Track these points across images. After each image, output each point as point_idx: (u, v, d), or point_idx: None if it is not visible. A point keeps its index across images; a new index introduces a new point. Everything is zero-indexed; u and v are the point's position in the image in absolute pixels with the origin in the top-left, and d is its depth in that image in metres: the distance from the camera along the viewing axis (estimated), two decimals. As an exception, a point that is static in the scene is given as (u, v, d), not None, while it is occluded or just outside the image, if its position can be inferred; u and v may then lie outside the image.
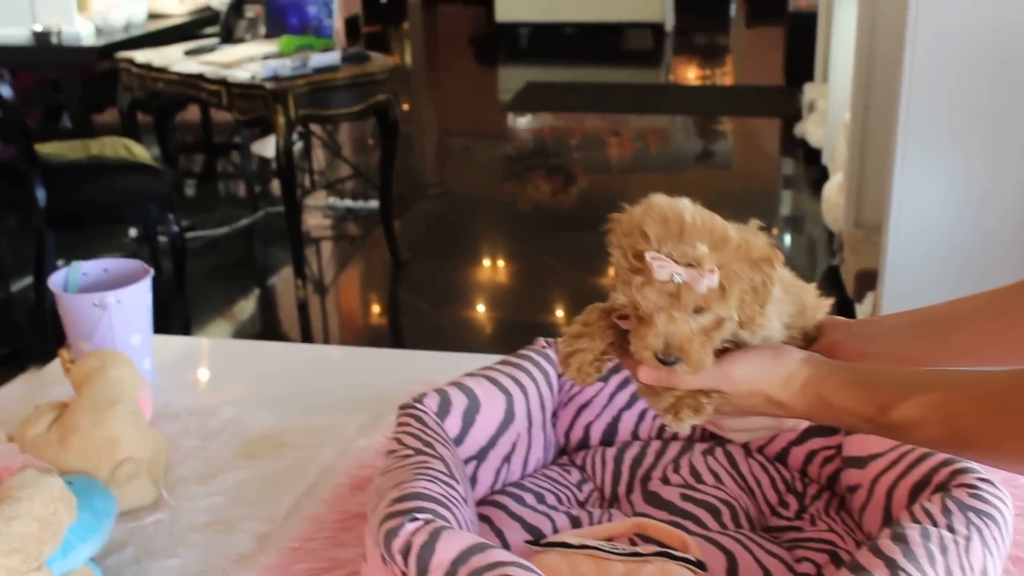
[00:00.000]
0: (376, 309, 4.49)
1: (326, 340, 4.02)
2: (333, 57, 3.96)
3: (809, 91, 6.11)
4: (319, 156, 6.08)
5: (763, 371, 0.88)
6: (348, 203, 5.26)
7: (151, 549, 1.14)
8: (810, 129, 5.80)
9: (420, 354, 1.63)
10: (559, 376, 1.19)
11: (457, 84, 8.90)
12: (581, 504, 1.13)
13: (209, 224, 4.99)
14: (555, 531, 1.05)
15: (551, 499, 1.11)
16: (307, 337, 4.04)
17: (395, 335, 4.14)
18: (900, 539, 0.85)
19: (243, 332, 4.08)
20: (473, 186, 5.94)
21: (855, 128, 3.87)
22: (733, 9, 11.88)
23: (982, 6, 2.56)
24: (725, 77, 9.13)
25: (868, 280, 3.42)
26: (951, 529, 0.87)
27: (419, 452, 0.98)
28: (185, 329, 3.97)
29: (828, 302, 0.99)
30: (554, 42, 10.16)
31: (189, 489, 1.25)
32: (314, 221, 5.17)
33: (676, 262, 0.84)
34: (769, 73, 8.59)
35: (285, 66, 3.82)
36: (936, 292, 2.81)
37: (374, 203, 5.00)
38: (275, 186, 5.43)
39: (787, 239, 4.98)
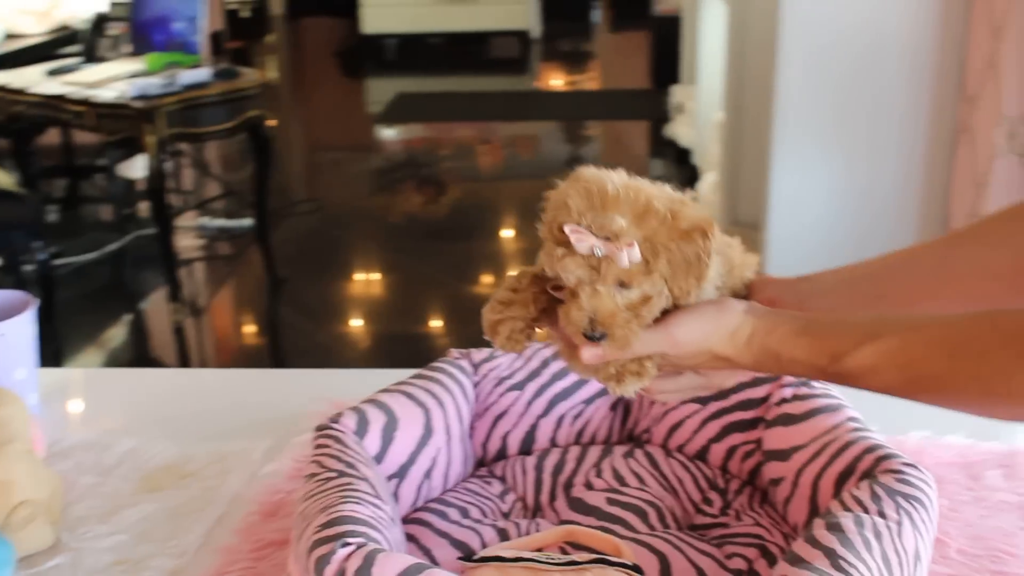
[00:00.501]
0: (255, 328, 4.39)
1: (204, 364, 3.92)
2: (203, 74, 3.88)
3: (676, 93, 6.22)
4: (187, 175, 5.93)
5: (707, 329, 0.87)
6: (220, 222, 5.15)
7: (54, 595, 1.08)
8: (680, 130, 5.90)
9: (320, 373, 1.59)
10: (474, 387, 1.17)
11: (325, 98, 8.80)
12: (505, 515, 1.11)
13: (76, 250, 4.82)
14: (483, 545, 1.02)
15: (475, 513, 1.09)
16: (185, 362, 3.93)
17: (276, 354, 4.06)
18: (835, 528, 0.85)
19: (118, 360, 3.95)
20: (345, 200, 5.86)
21: (728, 128, 3.95)
22: (597, 15, 12.04)
23: (853, 9, 2.64)
24: (591, 82, 9.23)
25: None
26: (882, 515, 0.88)
27: (342, 474, 0.95)
28: (56, 361, 3.81)
29: (755, 258, 0.98)
30: (421, 52, 10.13)
31: (90, 529, 1.19)
32: (186, 242, 5.04)
33: (595, 235, 0.83)
34: (635, 77, 8.71)
35: (154, 84, 3.72)
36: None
37: (247, 221, 4.90)
38: (143, 208, 5.28)
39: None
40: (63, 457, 1.34)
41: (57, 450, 1.35)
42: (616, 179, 0.86)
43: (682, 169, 5.84)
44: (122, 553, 1.14)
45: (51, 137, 5.44)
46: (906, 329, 0.81)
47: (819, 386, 1.10)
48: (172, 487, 1.27)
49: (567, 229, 0.84)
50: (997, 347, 0.75)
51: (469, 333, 4.06)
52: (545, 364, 1.18)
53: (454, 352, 1.19)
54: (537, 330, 0.93)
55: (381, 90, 8.92)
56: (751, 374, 1.10)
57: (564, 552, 0.98)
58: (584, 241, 0.83)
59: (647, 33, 8.60)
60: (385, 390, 1.10)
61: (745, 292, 0.97)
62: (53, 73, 4.16)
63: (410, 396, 1.09)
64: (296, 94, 9.12)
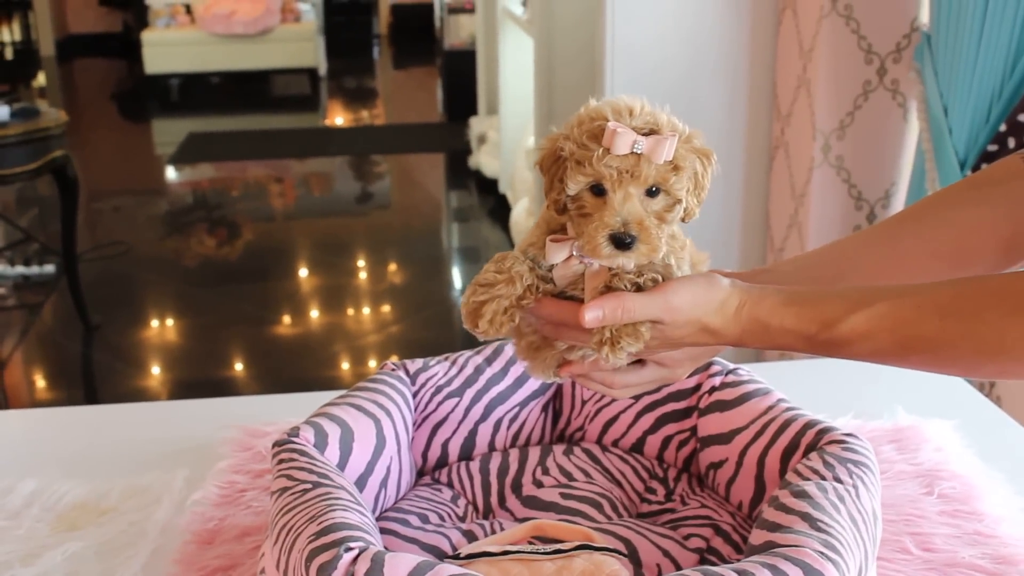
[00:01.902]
0: (66, 377, 4.18)
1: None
2: (1, 113, 3.69)
3: (476, 124, 6.32)
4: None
5: (700, 297, 0.89)
6: (21, 269, 4.88)
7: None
8: (484, 160, 6.01)
9: (223, 401, 1.55)
10: (414, 396, 1.19)
11: (104, 141, 8.47)
12: (462, 519, 1.13)
13: None
14: (453, 547, 1.04)
15: (434, 518, 1.10)
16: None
17: (91, 401, 3.88)
18: (802, 495, 0.91)
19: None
20: (138, 245, 5.63)
21: (541, 154, 4.05)
22: (376, 52, 12.10)
23: (669, 33, 2.77)
24: (377, 118, 9.25)
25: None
26: (839, 480, 0.95)
27: (317, 484, 0.94)
28: None
29: (706, 256, 1.01)
30: (207, 92, 9.92)
31: (16, 573, 1.13)
32: (-19, 291, 4.77)
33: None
34: (424, 110, 8.81)
35: (-53, 125, 3.52)
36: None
37: (49, 267, 4.68)
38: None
39: (464, 269, 5.11)
40: (-40, 505, 1.27)
41: (-50, 500, 1.28)
42: (636, 100, 0.90)
43: (487, 198, 5.94)
44: (57, 594, 1.10)
45: None
46: (895, 295, 0.86)
47: (745, 372, 1.17)
48: (92, 524, 1.22)
49: (611, 126, 0.86)
50: (988, 306, 0.81)
51: (278, 369, 4.01)
52: (479, 371, 1.21)
53: (390, 363, 1.20)
54: (518, 316, 0.93)
55: (168, 131, 8.67)
56: (694, 379, 1.16)
57: (532, 545, 1.01)
58: (627, 135, 0.86)
59: (432, 68, 8.71)
60: (331, 404, 1.10)
61: None
62: None
63: (359, 408, 1.09)
64: (72, 138, 8.74)
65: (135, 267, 5.21)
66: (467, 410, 1.20)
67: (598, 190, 0.89)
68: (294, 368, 4.09)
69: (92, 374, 4.11)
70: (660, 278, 0.92)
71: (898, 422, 1.41)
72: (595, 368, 0.96)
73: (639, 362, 0.98)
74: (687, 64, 2.79)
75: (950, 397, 1.50)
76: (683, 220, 0.93)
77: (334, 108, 9.71)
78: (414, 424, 1.20)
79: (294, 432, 1.04)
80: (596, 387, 1.00)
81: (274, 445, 1.04)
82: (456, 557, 0.95)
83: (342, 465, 1.05)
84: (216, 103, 9.69)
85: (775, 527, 0.88)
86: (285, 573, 0.88)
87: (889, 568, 1.11)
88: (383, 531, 1.07)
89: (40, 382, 4.11)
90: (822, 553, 0.83)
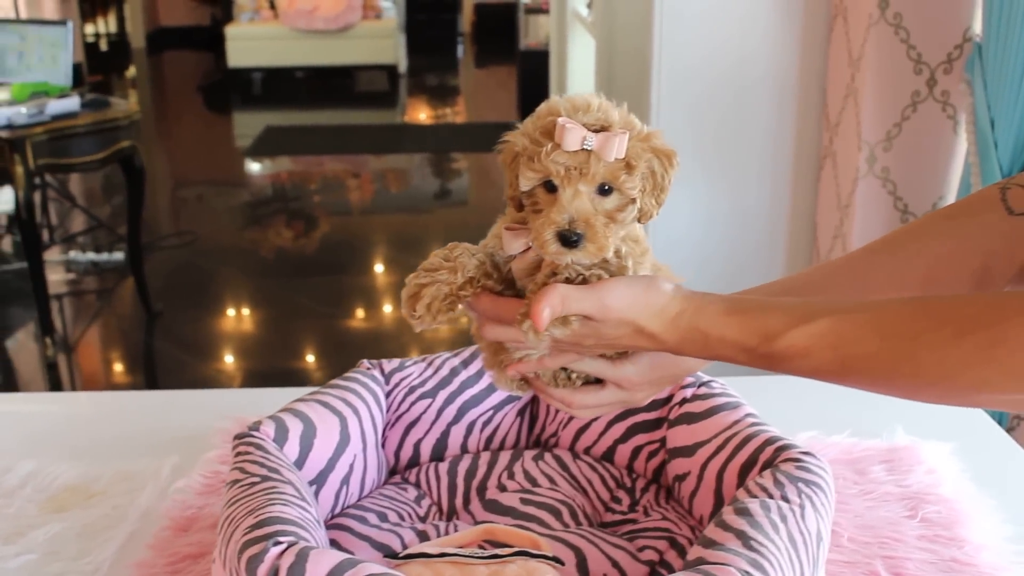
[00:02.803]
0: (131, 363, 4.30)
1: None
2: (72, 103, 3.80)
3: (546, 125, 6.32)
4: (51, 209, 5.78)
5: (637, 299, 0.87)
6: (91, 256, 5.03)
7: (-37, 617, 1.06)
8: (550, 161, 5.99)
9: (222, 392, 1.59)
10: (386, 396, 1.20)
11: (189, 132, 8.68)
12: (422, 519, 1.13)
13: (-65, 287, 4.66)
14: (404, 546, 1.05)
15: (393, 517, 1.12)
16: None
17: (152, 388, 3.98)
18: (744, 512, 0.90)
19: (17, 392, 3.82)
20: (215, 234, 5.78)
21: (600, 156, 4.04)
22: (461, 50, 12.18)
23: (719, 38, 2.75)
24: (458, 116, 9.32)
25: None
26: (786, 499, 0.93)
27: (266, 478, 0.96)
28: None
29: (667, 268, 0.99)
30: (288, 86, 10.08)
31: (-3, 550, 1.17)
32: (55, 277, 4.90)
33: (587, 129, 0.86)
34: (502, 110, 8.84)
35: (20, 113, 3.63)
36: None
37: (118, 255, 4.81)
38: (5, 243, 5.13)
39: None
40: (-39, 483, 1.31)
41: (-47, 477, 1.33)
42: (594, 96, 0.89)
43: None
44: (32, 572, 1.13)
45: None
46: (841, 311, 0.83)
47: (718, 386, 1.16)
48: (79, 507, 1.26)
49: (560, 121, 0.85)
50: (930, 329, 0.78)
51: (344, 364, 4.04)
52: (455, 372, 1.22)
53: (365, 363, 1.21)
54: (459, 307, 0.92)
55: (248, 124, 8.84)
56: (667, 390, 1.15)
57: (483, 549, 1.01)
58: (576, 131, 0.85)
59: (513, 67, 8.74)
60: (300, 400, 1.12)
61: None
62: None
63: (326, 404, 1.11)
64: (160, 128, 8.96)
65: (209, 256, 5.33)
66: (439, 411, 1.21)
67: (551, 187, 0.88)
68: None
69: (153, 361, 4.20)
70: (607, 276, 0.90)
71: (895, 442, 1.39)
72: (541, 366, 0.96)
73: (598, 383, 0.97)
74: (735, 70, 2.77)
75: (954, 419, 1.47)
76: (639, 221, 0.91)
77: (413, 105, 9.80)
78: (388, 423, 1.21)
79: (255, 426, 1.06)
80: (557, 405, 0.99)
81: (235, 438, 1.06)
82: (394, 556, 0.96)
83: (301, 461, 1.07)
84: (297, 98, 9.85)
85: (710, 543, 0.88)
86: (224, 564, 0.90)
87: (856, 592, 1.09)
88: (340, 527, 1.09)
89: (103, 367, 4.22)
90: (746, 572, 0.82)
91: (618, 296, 0.88)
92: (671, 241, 2.93)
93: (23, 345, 4.26)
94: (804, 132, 2.83)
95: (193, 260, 5.28)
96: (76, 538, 1.19)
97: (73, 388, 3.93)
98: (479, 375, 1.22)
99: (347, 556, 0.83)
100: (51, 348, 3.97)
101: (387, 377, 1.20)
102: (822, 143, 2.83)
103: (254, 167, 7.45)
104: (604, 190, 0.88)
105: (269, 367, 4.06)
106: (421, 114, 9.38)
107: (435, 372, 1.21)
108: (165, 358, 4.16)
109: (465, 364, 1.22)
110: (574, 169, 0.86)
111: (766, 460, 1.02)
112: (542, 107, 0.90)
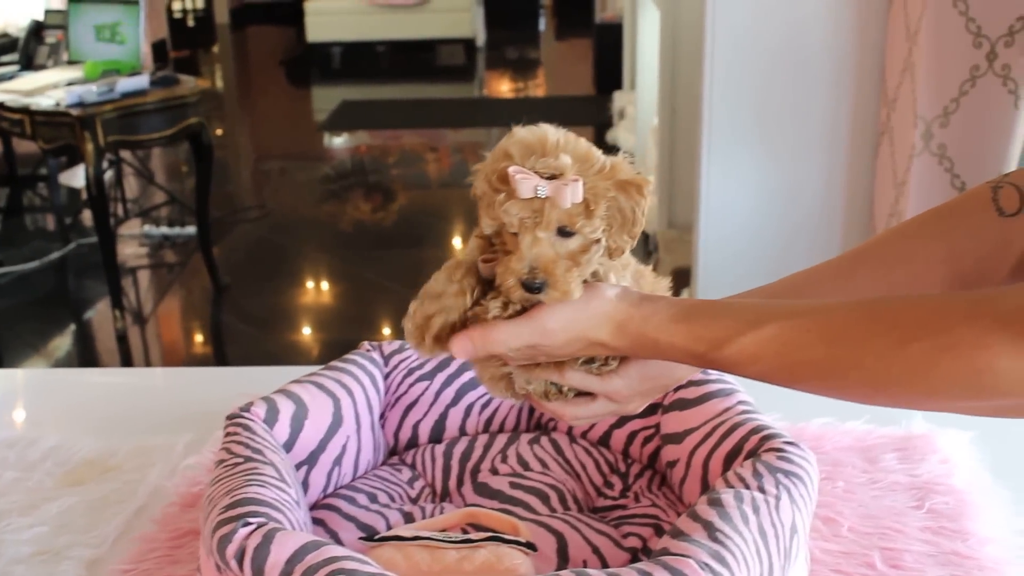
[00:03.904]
0: (200, 336, 4.40)
1: (148, 371, 3.91)
2: (141, 81, 3.88)
3: (618, 99, 6.29)
4: (131, 184, 5.92)
5: (578, 313, 0.86)
6: (164, 230, 5.14)
7: (-27, 587, 1.10)
8: (621, 135, 5.98)
9: (246, 370, 1.61)
10: (385, 378, 1.21)
11: (271, 106, 8.80)
12: (413, 501, 1.15)
13: (17, 259, 4.79)
14: (389, 528, 1.06)
15: (383, 498, 1.13)
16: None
17: (220, 362, 4.06)
18: (716, 503, 0.89)
19: (59, 367, 3.94)
20: (292, 208, 5.88)
21: (663, 131, 4.01)
22: (542, 23, 12.13)
23: (775, 9, 2.70)
24: (537, 89, 9.30)
25: (683, 277, 3.55)
26: (762, 490, 0.92)
27: (248, 459, 0.98)
28: (-5, 369, 3.79)
29: (666, 282, 0.98)
30: (367, 60, 10.16)
31: (11, 522, 1.21)
32: (129, 250, 5.03)
33: (539, 175, 0.83)
34: (579, 83, 8.80)
35: (91, 91, 3.72)
36: (747, 287, 2.94)
37: (191, 229, 4.91)
38: (86, 217, 5.26)
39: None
40: (-13, 454, 1.36)
41: (-19, 448, 1.38)
42: (552, 130, 0.87)
43: (624, 175, 5.90)
44: (42, 544, 1.16)
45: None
46: (786, 315, 0.81)
47: (714, 373, 1.14)
48: (94, 481, 1.29)
49: (511, 171, 0.83)
50: (876, 334, 0.76)
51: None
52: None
53: (366, 344, 1.22)
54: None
55: (327, 98, 8.93)
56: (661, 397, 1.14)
57: (465, 533, 1.02)
58: (528, 181, 0.83)
59: (591, 40, 8.69)
60: (296, 381, 1.13)
61: None
62: (-10, 82, 4.16)
63: (320, 386, 1.13)
64: (243, 102, 9.11)
65: (284, 230, 5.41)
66: (437, 394, 1.22)
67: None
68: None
69: (222, 334, 4.29)
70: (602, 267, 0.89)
71: (911, 430, 1.36)
72: (520, 383, 0.95)
73: (589, 395, 0.96)
74: (792, 43, 2.72)
75: (979, 406, 1.43)
76: (610, 257, 0.89)
77: (492, 78, 9.80)
78: (387, 405, 1.22)
79: (246, 407, 1.08)
80: (551, 415, 0.99)
81: (227, 418, 1.08)
82: (369, 538, 0.97)
83: (291, 442, 1.09)
84: (375, 72, 9.92)
85: (678, 534, 0.87)
86: (203, 542, 0.92)
87: (846, 582, 1.07)
88: (328, 508, 1.10)
89: (172, 341, 4.32)
90: (705, 564, 0.82)
91: (555, 317, 0.87)
92: (727, 224, 2.90)
93: (96, 317, 4.38)
94: (861, 107, 2.77)
95: (268, 234, 5.36)
96: (87, 512, 1.23)
97: (147, 361, 4.03)
98: (478, 358, 1.22)
99: (312, 539, 0.85)
100: (120, 321, 4.07)
101: (386, 359, 1.22)
102: (879, 119, 2.77)
103: (334, 141, 7.53)
104: (565, 232, 0.85)
105: (342, 340, 4.11)
106: (501, 87, 9.38)
107: (434, 355, 1.22)
108: (233, 331, 4.24)
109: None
110: (528, 218, 0.84)
111: (750, 449, 1.01)
112: (498, 146, 0.87)
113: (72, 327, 4.37)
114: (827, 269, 0.99)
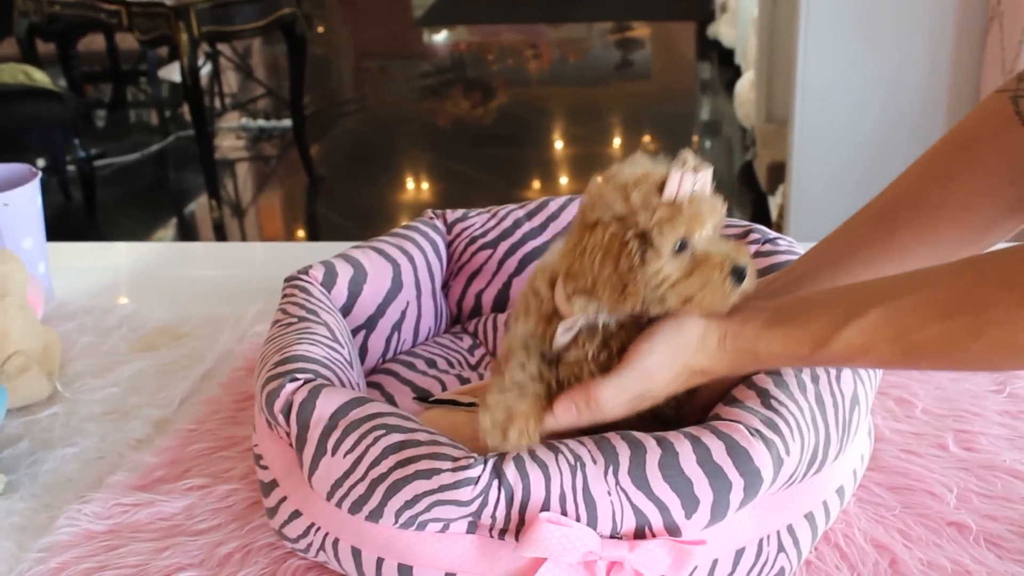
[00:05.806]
0: (295, 228, 4.45)
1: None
2: (233, -30, 3.88)
3: (721, -8, 6.12)
4: (230, 79, 5.97)
5: (674, 344, 0.80)
6: (261, 123, 5.19)
7: (47, 440, 1.13)
8: (723, 30, 5.82)
9: (319, 245, 1.62)
10: (448, 246, 1.20)
11: (371, 1, 8.75)
12: (473, 367, 1.14)
13: (119, 151, 4.89)
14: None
15: (442, 364, 1.12)
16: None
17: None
18: (774, 371, 0.86)
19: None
20: (391, 104, 5.87)
21: (763, 23, 3.89)
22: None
23: None
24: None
25: (779, 173, 3.47)
26: (823, 359, 0.89)
27: (302, 319, 0.98)
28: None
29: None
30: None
31: (86, 383, 1.24)
32: (227, 143, 5.09)
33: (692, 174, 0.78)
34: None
35: (185, -19, 3.74)
36: (844, 180, 2.86)
37: (287, 122, 4.94)
38: (186, 110, 5.33)
39: (706, 143, 5.01)
40: (67, 319, 1.39)
41: (62, 313, 1.41)
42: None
43: (725, 70, 5.76)
44: (113, 404, 1.19)
45: (98, 43, 5.50)
46: (888, 296, 0.75)
47: (784, 243, 1.10)
48: (165, 347, 1.32)
49: (673, 173, 0.77)
50: (993, 301, 0.70)
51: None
52: (518, 224, 1.20)
53: (429, 212, 1.21)
54: None
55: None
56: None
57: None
58: (688, 178, 0.77)
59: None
60: (356, 246, 1.13)
61: None
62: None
63: (380, 252, 1.12)
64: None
65: (380, 125, 5.41)
66: (500, 262, 1.20)
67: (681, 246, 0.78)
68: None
69: (316, 224, 4.34)
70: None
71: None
72: None
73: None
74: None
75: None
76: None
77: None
78: (451, 273, 1.21)
79: (304, 269, 1.07)
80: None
81: (284, 280, 1.08)
82: (423, 399, 0.97)
83: (349, 305, 1.08)
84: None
85: (732, 401, 0.84)
86: (256, 400, 0.93)
87: (917, 464, 1.03)
88: (386, 372, 1.10)
89: (266, 230, 4.38)
90: (756, 431, 0.79)
91: (656, 356, 0.80)
92: (824, 116, 2.81)
93: (195, 208, 4.46)
94: (970, -9, 2.64)
95: (366, 129, 5.37)
96: (157, 375, 1.25)
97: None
98: (542, 228, 1.20)
99: (358, 395, 0.84)
100: (216, 211, 4.13)
101: (449, 227, 1.20)
102: (990, 2, 2.63)
103: (430, 37, 7.48)
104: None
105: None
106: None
107: (498, 223, 1.20)
108: (328, 223, 4.28)
109: (529, 216, 1.21)
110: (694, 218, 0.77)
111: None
112: (626, 178, 0.78)
113: (171, 218, 4.46)
114: (864, 231, 0.90)
